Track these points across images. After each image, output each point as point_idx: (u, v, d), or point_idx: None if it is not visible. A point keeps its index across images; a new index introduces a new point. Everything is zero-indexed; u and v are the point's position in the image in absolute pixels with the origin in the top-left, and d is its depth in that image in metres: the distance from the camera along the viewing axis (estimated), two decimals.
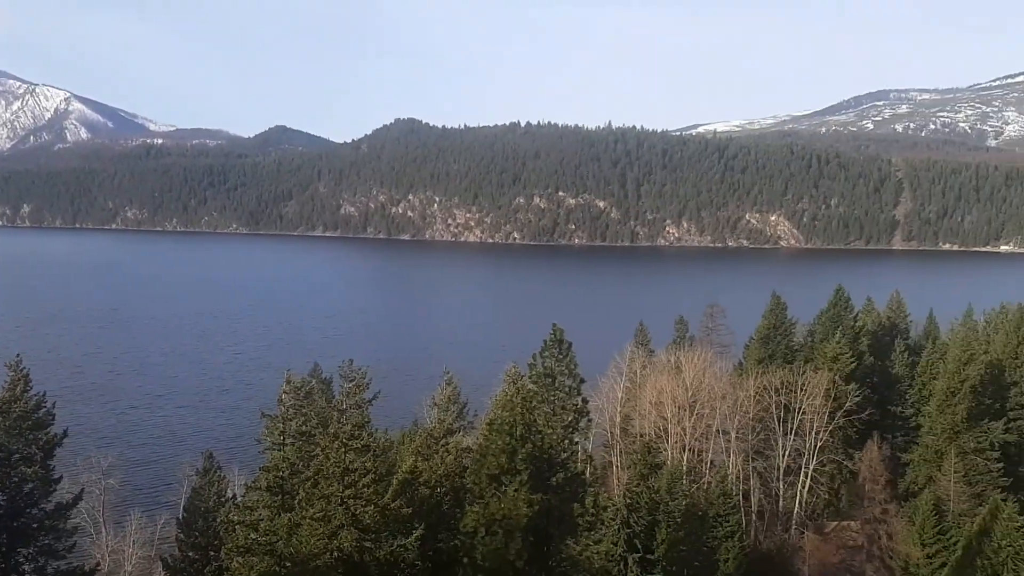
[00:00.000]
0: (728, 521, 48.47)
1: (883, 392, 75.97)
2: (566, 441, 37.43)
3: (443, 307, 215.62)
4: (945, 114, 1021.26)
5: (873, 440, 60.65)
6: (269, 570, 26.06)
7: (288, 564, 26.32)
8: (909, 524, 54.98)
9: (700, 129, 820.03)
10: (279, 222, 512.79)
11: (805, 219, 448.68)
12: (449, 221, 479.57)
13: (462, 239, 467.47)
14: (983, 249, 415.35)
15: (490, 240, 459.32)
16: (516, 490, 28.73)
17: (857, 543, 59.85)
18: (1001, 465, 62.12)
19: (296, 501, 28.45)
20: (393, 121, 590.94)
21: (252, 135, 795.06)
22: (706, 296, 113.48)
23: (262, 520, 28.92)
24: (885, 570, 54.24)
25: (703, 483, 56.75)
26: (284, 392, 41.11)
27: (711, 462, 61.52)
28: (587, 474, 54.93)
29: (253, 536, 27.56)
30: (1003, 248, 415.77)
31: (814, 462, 60.33)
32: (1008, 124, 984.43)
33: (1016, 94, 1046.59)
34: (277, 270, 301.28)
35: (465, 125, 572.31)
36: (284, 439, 34.69)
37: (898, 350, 79.64)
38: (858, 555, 58.10)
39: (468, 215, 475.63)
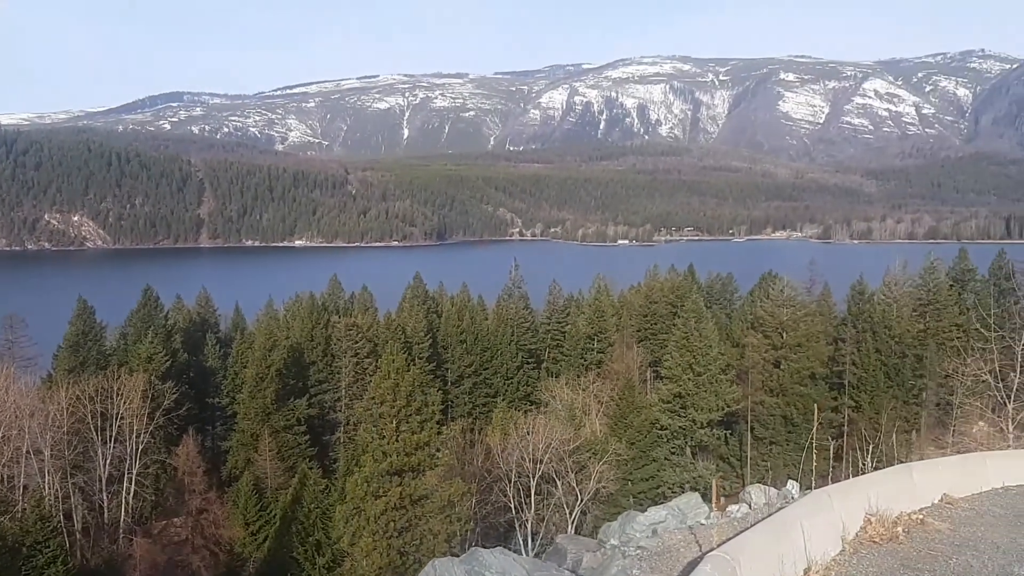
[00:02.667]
0: (49, 546, 44.24)
1: (200, 386, 78.23)
2: None
3: None
4: (237, 119, 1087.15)
5: (189, 434, 62.25)
6: None
7: None
8: (234, 507, 57.90)
9: None
10: None
11: (111, 219, 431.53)
12: None
13: None
14: (281, 244, 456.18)
15: None
16: None
17: (183, 537, 60.56)
18: (307, 437, 69.98)
19: None
20: None
21: None
22: (3, 307, 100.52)
23: None
24: (211, 556, 56.18)
25: (16, 511, 50.62)
26: None
27: (25, 487, 55.20)
28: None
29: None
30: (298, 243, 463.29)
31: (137, 466, 58.96)
32: (291, 131, 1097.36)
33: (295, 104, 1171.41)
34: None
35: None
36: None
37: (210, 344, 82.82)
38: (185, 548, 58.86)
39: None
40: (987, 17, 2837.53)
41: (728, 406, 62.73)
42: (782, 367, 65.89)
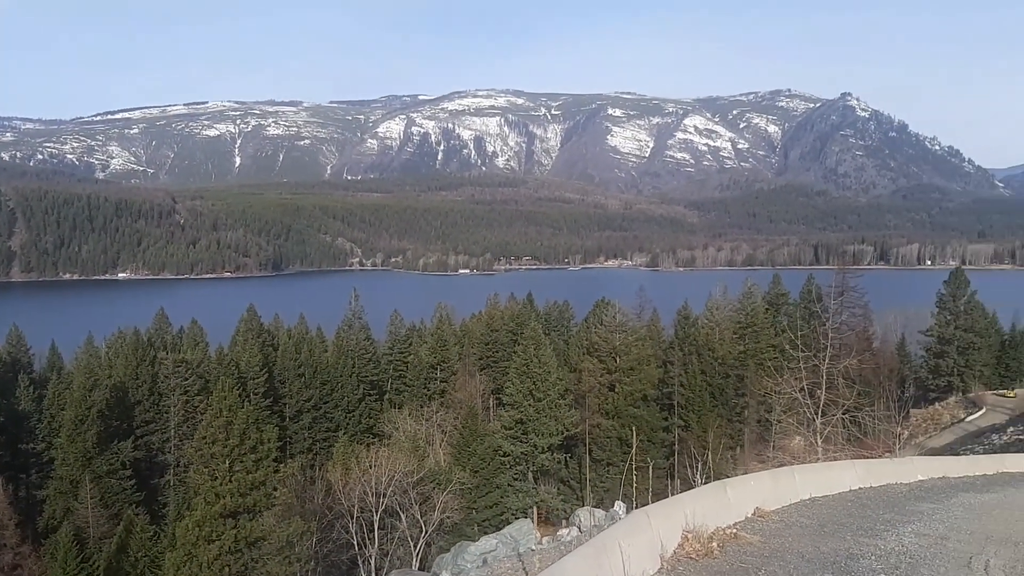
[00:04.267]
0: None
1: (12, 431, 71.81)
2: None
3: None
4: (52, 145, 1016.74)
5: None
6: None
7: None
8: (52, 561, 53.26)
9: None
10: None
11: None
12: None
13: None
14: (103, 277, 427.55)
15: None
16: None
17: None
18: (133, 482, 65.50)
19: None
20: None
21: None
22: None
23: None
24: None
25: None
26: None
27: None
28: None
29: None
30: (121, 275, 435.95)
31: None
32: (113, 158, 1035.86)
33: (117, 129, 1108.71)
34: None
35: None
36: None
37: (22, 386, 76.35)
38: None
39: None
40: (792, 60, 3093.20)
41: (567, 430, 64.22)
42: (616, 390, 68.22)
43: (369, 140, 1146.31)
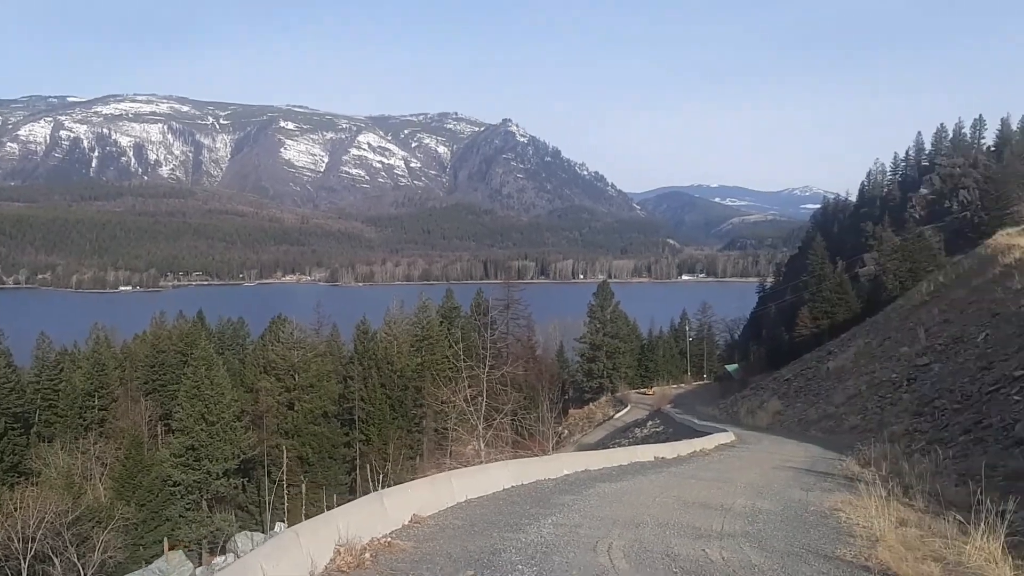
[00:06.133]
0: None
1: None
2: None
3: None
4: None
5: None
6: None
7: None
8: None
9: None
10: None
11: None
12: None
13: None
14: None
15: None
16: None
17: None
18: None
19: None
20: None
21: None
22: None
23: None
24: None
25: None
26: None
27: None
28: None
29: None
30: None
31: None
32: None
33: None
34: None
35: None
36: None
37: None
38: None
39: None
40: (458, 85, 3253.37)
41: (244, 453, 61.77)
42: (296, 408, 67.05)
43: (9, 144, 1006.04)
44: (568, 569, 8.76)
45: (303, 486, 63.70)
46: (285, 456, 60.88)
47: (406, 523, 10.37)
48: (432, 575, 8.09)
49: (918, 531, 11.94)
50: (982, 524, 10.08)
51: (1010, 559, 9.49)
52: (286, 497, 63.26)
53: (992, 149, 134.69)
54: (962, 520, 10.98)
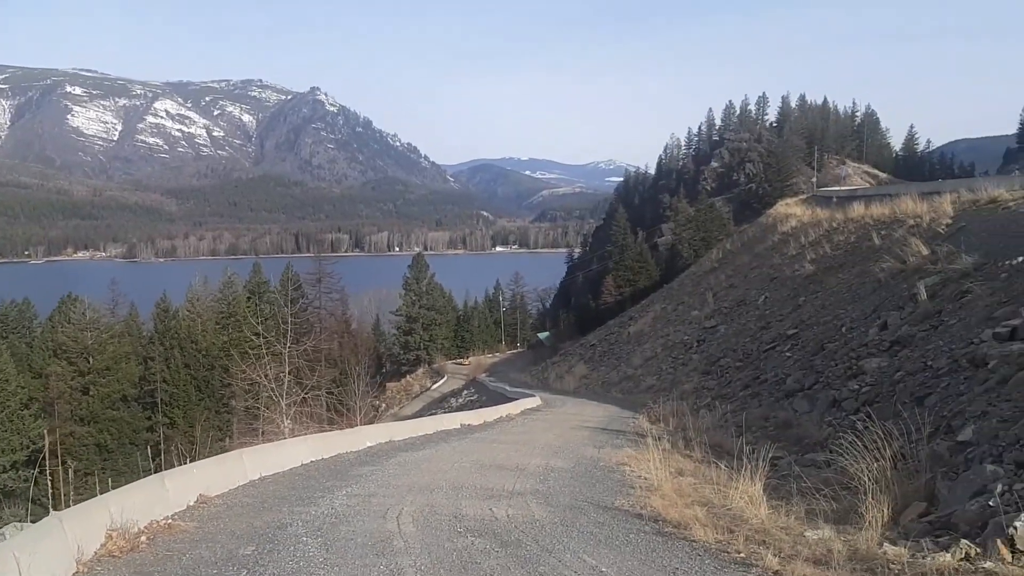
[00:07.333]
0: None
1: None
2: None
3: None
4: None
5: None
6: None
7: None
8: None
9: None
10: None
11: None
12: None
13: None
14: None
15: None
16: None
17: None
18: None
19: None
20: None
21: None
22: None
23: None
24: None
25: None
26: None
27: None
28: None
29: None
30: None
31: None
32: None
33: None
34: None
35: None
36: None
37: None
38: None
39: None
40: (262, 50, 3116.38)
41: (34, 443, 57.21)
42: (91, 393, 63.02)
43: None
44: (354, 537, 8.94)
45: (102, 474, 59.88)
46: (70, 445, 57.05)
47: (191, 504, 10.12)
48: (212, 553, 7.97)
49: (693, 480, 13.09)
50: (745, 470, 11.19)
51: (765, 500, 10.64)
52: (75, 488, 59.21)
53: (774, 125, 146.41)
54: (732, 468, 12.09)
